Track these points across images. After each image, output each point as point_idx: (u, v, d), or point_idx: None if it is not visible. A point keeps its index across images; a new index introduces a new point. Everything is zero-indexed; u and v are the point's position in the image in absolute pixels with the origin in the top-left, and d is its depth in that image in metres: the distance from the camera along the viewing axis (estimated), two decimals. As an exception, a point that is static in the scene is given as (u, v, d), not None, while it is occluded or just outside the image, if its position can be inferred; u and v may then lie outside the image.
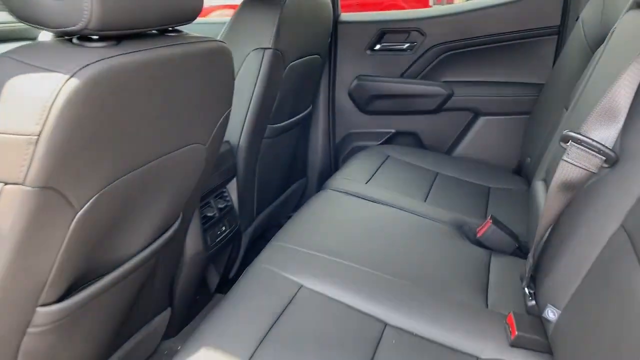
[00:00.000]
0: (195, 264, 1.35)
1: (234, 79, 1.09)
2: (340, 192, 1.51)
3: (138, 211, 0.96)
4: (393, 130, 2.08)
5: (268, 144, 1.67)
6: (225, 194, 1.51)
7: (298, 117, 1.84)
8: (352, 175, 1.64)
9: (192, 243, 1.32)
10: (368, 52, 2.03)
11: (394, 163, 1.81)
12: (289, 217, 2.30)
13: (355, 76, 2.05)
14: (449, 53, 1.97)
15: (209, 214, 1.40)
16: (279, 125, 1.69)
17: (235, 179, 1.52)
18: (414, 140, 2.09)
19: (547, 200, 0.93)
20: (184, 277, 1.33)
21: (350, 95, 2.07)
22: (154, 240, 1.06)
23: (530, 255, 1.02)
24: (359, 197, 1.50)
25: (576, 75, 1.60)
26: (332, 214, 1.39)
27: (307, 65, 1.76)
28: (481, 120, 1.97)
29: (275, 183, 1.86)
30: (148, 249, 1.04)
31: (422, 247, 1.28)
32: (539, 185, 1.29)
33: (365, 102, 2.05)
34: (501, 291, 1.15)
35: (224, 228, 1.46)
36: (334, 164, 2.16)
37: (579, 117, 1.13)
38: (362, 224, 1.34)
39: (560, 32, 1.83)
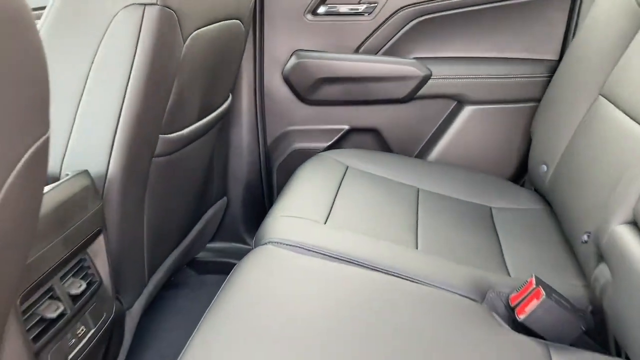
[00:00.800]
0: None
1: (44, 67, 0.46)
2: (288, 246, 0.92)
3: None
4: (346, 127, 1.51)
5: (163, 164, 1.03)
6: (86, 264, 0.86)
7: (212, 116, 1.20)
8: (301, 209, 1.05)
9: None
10: (308, 16, 1.42)
11: (358, 178, 1.24)
12: (206, 250, 1.70)
13: (292, 51, 1.44)
14: (423, 18, 1.40)
15: (48, 315, 0.75)
16: (179, 133, 1.05)
17: (102, 236, 0.88)
18: (375, 140, 1.53)
19: None
20: None
21: (286, 78, 1.46)
22: None
23: None
24: (318, 252, 0.91)
25: (617, 49, 1.11)
26: (279, 297, 0.79)
27: (222, 35, 1.13)
28: (467, 111, 1.44)
29: (179, 219, 1.23)
30: None
31: (442, 355, 0.72)
32: (624, 232, 0.78)
33: (308, 88, 1.45)
34: None
35: (82, 329, 0.82)
36: (265, 176, 1.56)
37: None
38: (332, 316, 0.76)
39: (579, -13, 1.33)
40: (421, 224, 1.09)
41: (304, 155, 1.49)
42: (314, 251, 0.91)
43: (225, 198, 1.52)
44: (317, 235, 0.96)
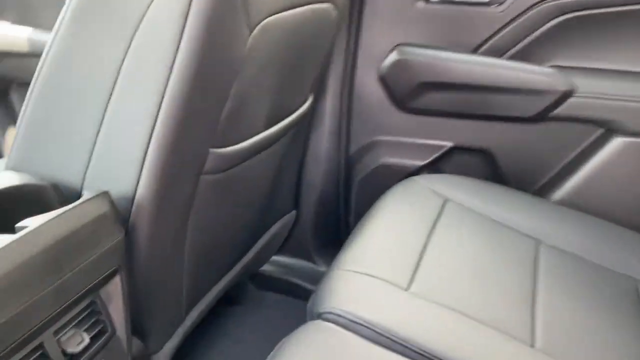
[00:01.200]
0: None
1: None
2: (351, 323, 0.67)
3: None
4: (450, 144, 1.22)
5: (214, 183, 0.82)
6: (96, 309, 0.68)
7: (284, 123, 0.98)
8: (377, 262, 0.80)
9: None
10: (420, 4, 1.14)
11: (458, 219, 0.97)
12: (270, 263, 1.50)
13: (393, 46, 1.17)
14: (571, 15, 1.07)
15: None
16: (237, 146, 0.84)
17: (118, 276, 0.69)
18: (485, 165, 1.22)
19: None
20: None
21: (382, 78, 1.20)
22: None
23: None
24: (392, 340, 0.66)
25: None
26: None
27: (305, 23, 0.89)
28: (617, 143, 1.09)
29: (234, 242, 1.03)
30: None
31: None
32: None
33: (408, 91, 1.18)
34: None
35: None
36: (344, 190, 1.32)
37: None
38: None
39: None
40: (540, 301, 0.80)
41: (392, 173, 1.23)
42: (386, 337, 0.66)
43: (294, 212, 1.30)
44: (394, 309, 0.71)
